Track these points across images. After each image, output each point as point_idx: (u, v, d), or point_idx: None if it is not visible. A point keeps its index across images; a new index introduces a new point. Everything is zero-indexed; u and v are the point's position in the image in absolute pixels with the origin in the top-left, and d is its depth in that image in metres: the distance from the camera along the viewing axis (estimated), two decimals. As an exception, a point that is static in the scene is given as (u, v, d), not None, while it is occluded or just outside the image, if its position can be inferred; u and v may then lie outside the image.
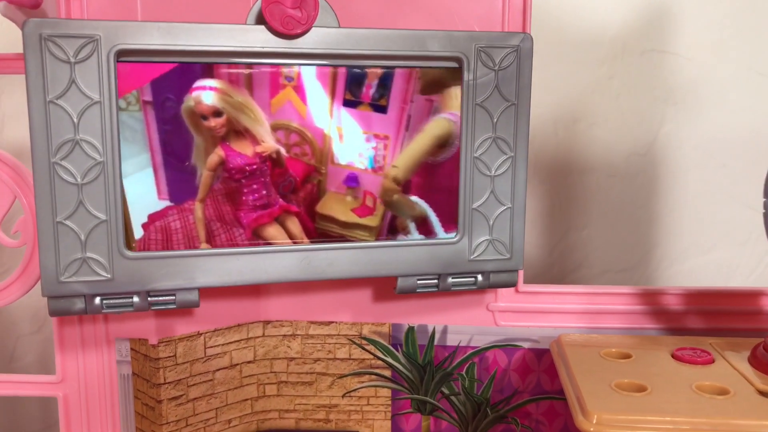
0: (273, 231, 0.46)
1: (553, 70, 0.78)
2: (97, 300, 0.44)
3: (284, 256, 0.46)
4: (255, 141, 0.45)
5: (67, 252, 0.42)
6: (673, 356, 0.48)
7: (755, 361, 0.46)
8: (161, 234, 0.45)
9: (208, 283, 0.45)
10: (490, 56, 0.46)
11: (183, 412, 0.53)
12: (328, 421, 0.57)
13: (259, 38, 0.43)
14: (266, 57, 0.44)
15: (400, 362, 0.55)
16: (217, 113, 0.44)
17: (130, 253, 0.43)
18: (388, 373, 0.56)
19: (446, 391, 0.56)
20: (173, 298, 0.45)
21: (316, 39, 0.44)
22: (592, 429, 0.39)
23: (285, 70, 0.45)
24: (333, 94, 0.46)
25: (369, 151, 0.47)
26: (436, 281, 0.49)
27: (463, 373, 0.55)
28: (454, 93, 0.47)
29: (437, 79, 0.47)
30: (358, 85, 0.46)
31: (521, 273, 0.53)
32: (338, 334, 0.56)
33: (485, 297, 0.54)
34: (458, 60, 0.46)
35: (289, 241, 0.47)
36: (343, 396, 0.56)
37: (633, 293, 0.54)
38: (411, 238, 0.48)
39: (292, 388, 0.56)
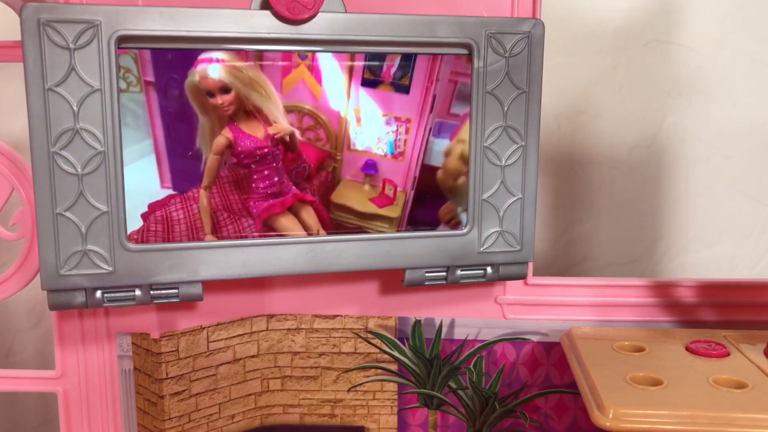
0: (286, 222, 0.44)
1: (556, 61, 0.77)
2: (98, 293, 0.43)
3: (290, 248, 0.45)
4: (266, 122, 0.42)
5: (67, 244, 0.41)
6: (688, 349, 0.47)
7: (771, 354, 0.45)
8: (161, 225, 0.43)
9: (212, 276, 0.44)
10: (501, 43, 0.45)
11: (186, 408, 0.52)
12: (333, 416, 0.56)
13: (264, 23, 0.42)
14: (271, 43, 0.43)
15: (406, 356, 0.54)
16: (224, 89, 0.42)
17: (132, 246, 0.42)
18: (394, 367, 0.55)
19: (453, 386, 0.55)
20: (176, 291, 0.44)
21: (322, 25, 0.43)
22: (608, 423, 0.38)
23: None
24: (350, 73, 0.43)
25: (389, 136, 0.45)
26: (444, 274, 0.48)
27: (471, 366, 0.54)
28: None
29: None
30: (378, 63, 0.44)
31: (530, 265, 0.52)
32: (343, 328, 0.55)
33: (493, 290, 0.53)
34: (468, 47, 0.45)
35: (304, 233, 0.45)
36: (349, 390, 0.55)
37: (644, 285, 0.53)
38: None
39: (297, 382, 0.55)
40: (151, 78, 0.41)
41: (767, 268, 0.84)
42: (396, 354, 0.54)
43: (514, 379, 0.55)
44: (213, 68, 0.42)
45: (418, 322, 0.54)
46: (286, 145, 0.44)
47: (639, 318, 0.53)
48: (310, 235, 0.45)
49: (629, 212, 0.82)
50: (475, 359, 0.54)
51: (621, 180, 0.81)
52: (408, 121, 0.45)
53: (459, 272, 0.48)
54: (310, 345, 0.55)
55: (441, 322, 0.54)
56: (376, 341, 0.54)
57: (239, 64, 0.41)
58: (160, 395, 0.50)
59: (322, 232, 0.45)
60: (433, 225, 0.47)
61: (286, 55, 0.42)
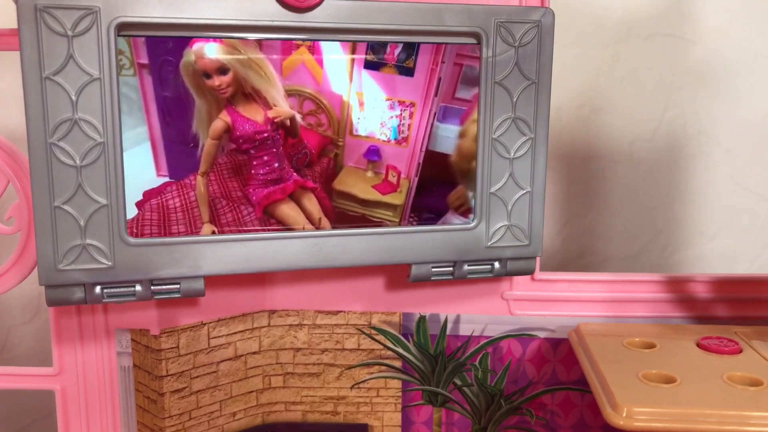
0: (287, 209, 0.43)
1: (557, 53, 0.76)
2: (98, 289, 0.41)
3: (294, 242, 0.44)
4: (266, 105, 0.41)
5: (65, 238, 0.40)
6: (699, 345, 0.46)
7: (785, 351, 0.44)
8: (157, 213, 0.41)
9: (215, 270, 0.43)
10: (510, 32, 0.44)
11: (186, 405, 0.51)
12: (336, 413, 0.55)
13: (269, 11, 0.41)
14: (276, 32, 0.42)
15: (411, 352, 0.53)
16: (222, 70, 0.40)
17: (132, 240, 0.41)
18: (398, 363, 0.54)
19: (459, 382, 0.54)
20: (177, 286, 0.43)
21: (328, 12, 0.42)
22: (622, 422, 0.37)
23: None
24: (353, 55, 0.42)
25: (392, 120, 0.43)
26: (451, 269, 0.47)
27: (477, 363, 0.54)
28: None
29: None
30: (381, 45, 0.42)
31: (538, 260, 0.51)
32: (347, 324, 0.54)
33: (500, 285, 0.52)
34: (477, 35, 0.44)
35: (305, 221, 0.43)
36: (352, 387, 0.54)
37: (654, 281, 0.52)
38: (455, 223, 0.45)
39: (299, 379, 0.54)
40: (144, 60, 0.40)
41: (768, 263, 0.84)
42: (400, 350, 0.53)
43: (520, 376, 0.54)
44: (210, 47, 0.40)
45: (422, 318, 0.53)
46: (287, 129, 0.42)
47: (648, 313, 0.52)
48: (311, 222, 0.44)
49: (630, 206, 0.82)
50: (480, 356, 0.53)
51: (622, 174, 0.81)
52: (412, 105, 0.44)
53: (466, 267, 0.47)
54: (313, 341, 0.54)
55: (446, 318, 0.53)
56: (380, 337, 0.53)
57: (237, 43, 0.40)
58: (160, 393, 0.49)
59: (324, 219, 0.44)
60: (437, 212, 0.46)
61: None
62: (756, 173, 0.81)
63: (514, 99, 0.45)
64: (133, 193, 0.41)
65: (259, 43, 0.41)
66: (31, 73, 0.38)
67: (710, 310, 0.52)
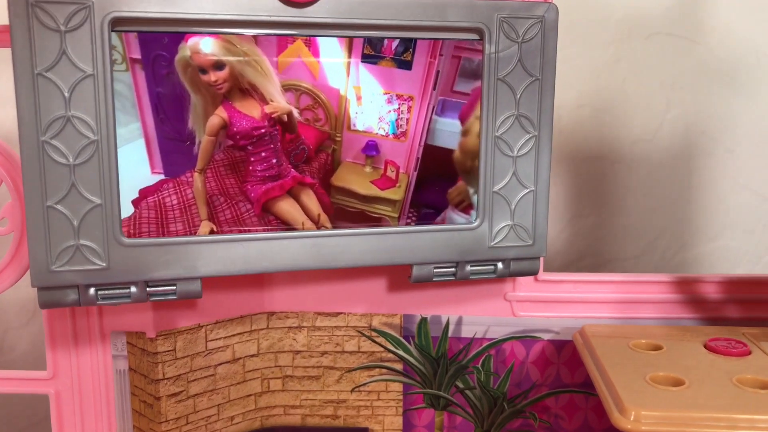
0: (286, 206, 0.42)
1: (558, 53, 0.76)
2: (92, 291, 0.40)
3: (293, 243, 0.43)
4: (263, 100, 0.40)
5: (58, 239, 0.39)
6: (707, 347, 0.45)
7: (794, 352, 0.43)
8: (154, 211, 0.40)
9: (212, 271, 0.42)
10: (513, 27, 0.43)
11: (183, 409, 0.50)
12: (336, 417, 0.54)
13: (267, 6, 0.40)
14: (273, 27, 0.41)
15: (412, 355, 0.53)
16: (218, 65, 0.39)
17: (127, 240, 0.40)
18: (399, 366, 0.53)
19: (461, 385, 0.53)
20: (174, 288, 0.42)
21: (327, 8, 0.41)
22: (629, 426, 0.37)
23: None
24: (350, 49, 0.41)
25: (390, 115, 0.42)
26: (453, 269, 0.46)
27: (479, 366, 0.53)
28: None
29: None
30: (379, 38, 0.41)
31: (542, 260, 0.50)
32: (347, 326, 0.53)
33: (503, 286, 0.51)
34: (479, 31, 0.43)
35: (305, 217, 0.42)
36: (352, 391, 0.53)
37: (659, 281, 0.51)
38: (456, 220, 0.44)
39: (298, 382, 0.53)
40: (137, 55, 0.39)
41: (772, 263, 0.83)
42: (401, 353, 0.52)
43: (524, 379, 0.53)
44: (205, 42, 0.39)
45: (424, 320, 0.52)
46: (284, 125, 0.41)
47: (654, 314, 0.51)
48: (310, 219, 0.43)
49: (631, 207, 0.81)
50: (483, 358, 0.52)
51: (623, 174, 0.80)
52: (410, 99, 0.43)
53: (469, 268, 0.46)
54: (312, 344, 0.53)
55: (448, 319, 0.52)
56: (381, 340, 0.52)
57: (233, 38, 0.39)
58: (157, 397, 0.48)
59: (323, 215, 0.43)
60: (436, 207, 0.45)
61: None
62: (759, 174, 0.80)
63: (518, 96, 0.44)
64: (129, 191, 0.40)
65: (255, 37, 0.40)
66: (22, 69, 0.37)
67: (718, 311, 0.51)
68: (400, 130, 0.43)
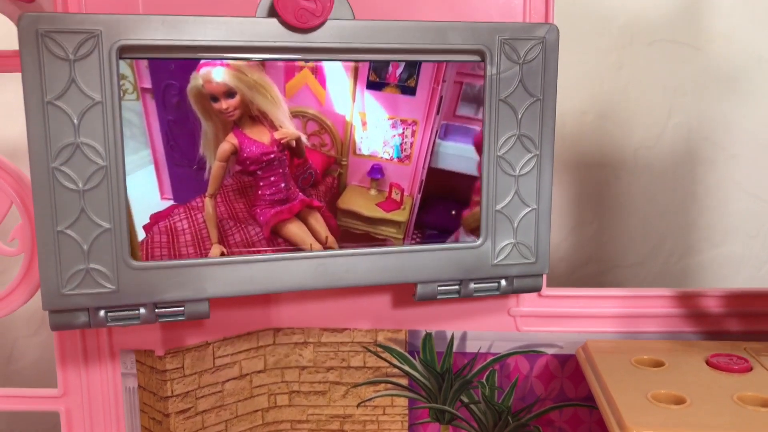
0: (294, 228, 0.42)
1: (561, 60, 0.76)
2: (102, 313, 0.41)
3: (300, 263, 0.43)
4: (272, 126, 0.41)
5: (68, 263, 0.40)
6: (708, 363, 0.45)
7: (795, 368, 0.44)
8: (166, 235, 0.41)
9: (219, 293, 0.42)
10: (515, 49, 0.44)
11: (192, 426, 0.50)
12: (343, 431, 0.54)
13: (271, 32, 0.41)
14: (278, 52, 0.41)
15: (417, 370, 0.53)
16: (229, 93, 0.40)
17: (135, 263, 0.41)
18: (404, 381, 0.53)
19: (466, 400, 0.53)
20: (182, 309, 0.42)
21: (331, 32, 0.41)
22: (631, 445, 0.37)
23: None
24: (355, 76, 0.42)
25: (395, 139, 0.43)
26: (457, 287, 0.47)
27: (484, 380, 0.53)
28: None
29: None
30: (384, 64, 0.42)
31: (545, 277, 0.51)
32: (352, 342, 0.53)
33: (507, 302, 0.52)
34: (481, 53, 0.44)
35: (313, 239, 0.43)
36: (358, 406, 0.54)
37: (662, 296, 0.52)
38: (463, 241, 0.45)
39: (305, 398, 0.54)
40: (148, 85, 0.40)
41: (775, 270, 0.83)
42: (406, 368, 0.53)
43: (528, 393, 0.53)
44: (217, 71, 0.40)
45: (428, 335, 0.53)
46: (293, 150, 0.42)
47: (657, 329, 0.52)
48: (318, 241, 0.44)
49: (635, 213, 0.81)
50: (487, 373, 0.53)
51: (626, 181, 0.80)
52: (414, 123, 0.44)
53: (472, 286, 0.47)
54: (318, 359, 0.53)
55: (452, 335, 0.53)
56: (386, 355, 0.53)
57: (244, 67, 0.40)
58: (166, 413, 0.49)
59: (330, 237, 0.44)
60: (441, 229, 0.46)
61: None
62: (762, 179, 0.80)
63: (519, 116, 0.45)
64: (140, 217, 0.41)
65: (263, 65, 0.40)
66: (33, 97, 0.38)
67: (720, 324, 0.51)
68: (404, 153, 0.44)
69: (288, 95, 0.41)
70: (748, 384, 0.42)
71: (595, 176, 0.80)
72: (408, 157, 0.44)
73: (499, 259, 0.46)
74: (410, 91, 0.43)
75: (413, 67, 0.43)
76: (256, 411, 0.53)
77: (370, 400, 0.54)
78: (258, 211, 0.42)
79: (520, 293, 0.49)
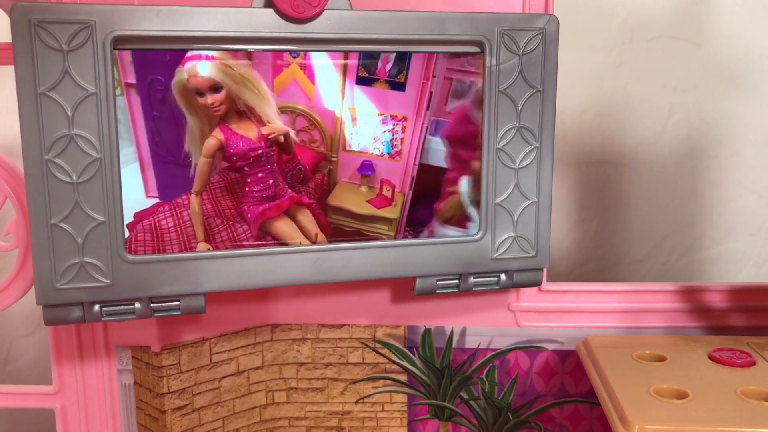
0: (283, 226, 0.42)
1: (560, 57, 0.76)
2: (96, 307, 0.41)
3: (296, 257, 0.43)
4: (259, 122, 0.40)
5: (62, 257, 0.39)
6: (711, 358, 0.45)
7: (799, 363, 0.43)
8: (150, 234, 0.40)
9: (215, 287, 0.42)
10: (514, 40, 0.43)
11: (188, 423, 0.50)
12: (341, 428, 0.54)
13: (267, 22, 0.40)
14: (275, 43, 0.41)
15: (416, 366, 0.53)
16: (215, 88, 0.39)
17: (130, 257, 0.40)
18: (403, 377, 0.53)
19: (465, 396, 0.53)
20: (178, 304, 0.42)
21: (328, 23, 0.41)
22: (633, 440, 0.36)
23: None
24: (345, 71, 0.41)
25: (385, 135, 0.43)
26: (456, 281, 0.46)
27: (483, 376, 0.53)
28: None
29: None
30: (372, 60, 0.42)
31: (545, 271, 0.50)
32: (350, 338, 0.53)
33: (507, 297, 0.51)
34: (480, 44, 0.43)
35: (302, 237, 0.43)
36: (357, 402, 0.53)
37: (663, 290, 0.51)
38: (456, 235, 0.45)
39: (303, 394, 0.53)
40: (132, 80, 0.39)
41: (777, 266, 0.83)
42: (405, 364, 0.53)
43: (528, 389, 0.53)
44: (203, 65, 0.39)
45: (428, 331, 0.52)
46: (281, 146, 0.42)
47: (658, 324, 0.51)
48: (308, 238, 0.43)
49: (635, 210, 0.81)
50: (487, 369, 0.53)
51: (627, 178, 0.80)
52: (404, 119, 0.44)
53: (472, 280, 0.46)
54: (316, 355, 0.53)
55: (452, 330, 0.52)
56: (385, 351, 0.53)
57: (230, 61, 0.39)
58: (162, 410, 0.48)
59: (320, 235, 0.43)
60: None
61: (278, 53, 0.40)
62: (763, 176, 0.80)
63: (519, 108, 0.44)
64: (124, 215, 0.40)
65: (250, 59, 0.40)
66: (25, 89, 0.37)
67: (722, 319, 0.51)
68: (394, 149, 0.43)
69: (276, 90, 0.41)
70: (751, 378, 0.42)
71: (596, 174, 0.80)
72: (399, 153, 0.43)
73: (499, 252, 0.46)
74: (400, 86, 0.42)
75: (402, 63, 0.42)
76: (254, 408, 0.53)
77: (368, 396, 0.53)
78: (246, 208, 0.42)
79: (520, 287, 0.48)
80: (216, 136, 0.40)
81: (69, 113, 0.38)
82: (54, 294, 0.39)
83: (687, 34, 0.76)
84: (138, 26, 0.38)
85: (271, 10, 0.40)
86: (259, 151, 0.41)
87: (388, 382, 0.53)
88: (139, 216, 0.40)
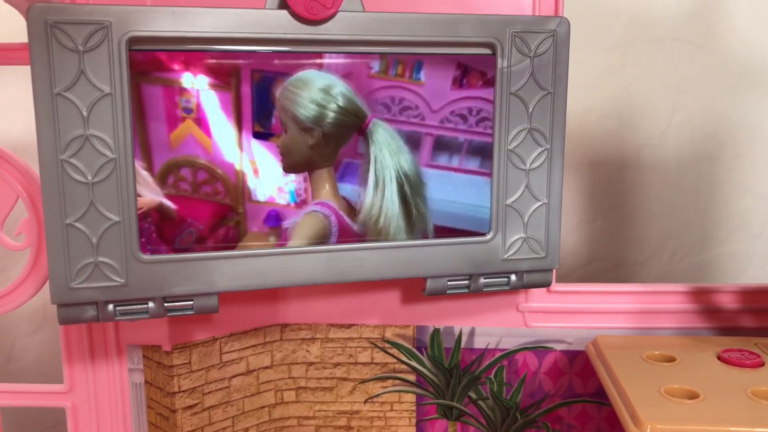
0: None
1: (564, 58, 0.76)
2: (110, 307, 0.41)
3: (309, 257, 0.43)
4: None
5: (77, 256, 0.39)
6: (720, 358, 0.45)
7: (807, 363, 0.43)
8: None
9: (229, 287, 0.42)
10: (526, 42, 0.44)
11: (198, 422, 0.50)
12: (350, 428, 0.54)
13: (281, 24, 0.40)
14: (289, 44, 0.41)
15: (425, 366, 0.53)
16: None
17: (145, 257, 0.40)
18: (412, 377, 0.53)
19: (474, 396, 0.53)
20: (191, 303, 0.42)
21: (342, 24, 0.41)
22: (645, 440, 0.37)
23: (182, 101, 0.40)
24: (240, 126, 0.41)
25: (289, 185, 0.43)
26: (467, 282, 0.46)
27: (492, 376, 0.53)
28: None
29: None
30: (266, 117, 0.42)
31: (554, 272, 0.50)
32: (359, 338, 0.53)
33: (515, 297, 0.52)
34: (491, 46, 0.43)
35: None
36: (366, 402, 0.54)
37: (672, 291, 0.51)
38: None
39: (312, 394, 0.54)
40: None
41: (778, 267, 0.83)
42: (414, 364, 0.53)
43: (536, 389, 0.53)
44: None
45: (436, 331, 0.52)
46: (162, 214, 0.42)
47: (667, 325, 0.51)
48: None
49: (638, 211, 0.81)
50: (495, 369, 0.53)
51: (630, 179, 0.80)
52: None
53: (482, 280, 0.46)
54: (326, 355, 0.53)
55: (461, 330, 0.52)
56: (394, 351, 0.53)
57: None
58: (173, 409, 0.49)
59: None
60: None
61: (170, 109, 0.40)
62: (766, 177, 0.80)
63: (530, 109, 0.45)
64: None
65: (142, 118, 0.40)
66: (42, 89, 0.38)
67: (731, 320, 0.51)
68: (300, 198, 0.43)
69: (174, 145, 0.41)
70: (761, 379, 0.42)
71: (599, 174, 0.80)
72: (304, 201, 0.43)
73: (509, 253, 0.46)
74: None
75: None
76: (263, 407, 0.53)
77: (377, 396, 0.53)
78: None
79: (530, 288, 0.49)
80: None
81: (84, 113, 0.38)
82: (68, 293, 0.40)
83: (690, 35, 0.77)
84: (153, 27, 0.39)
85: (285, 12, 0.40)
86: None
87: (397, 381, 0.53)
88: None
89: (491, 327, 0.52)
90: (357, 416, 0.54)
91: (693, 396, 0.40)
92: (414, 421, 0.54)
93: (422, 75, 0.44)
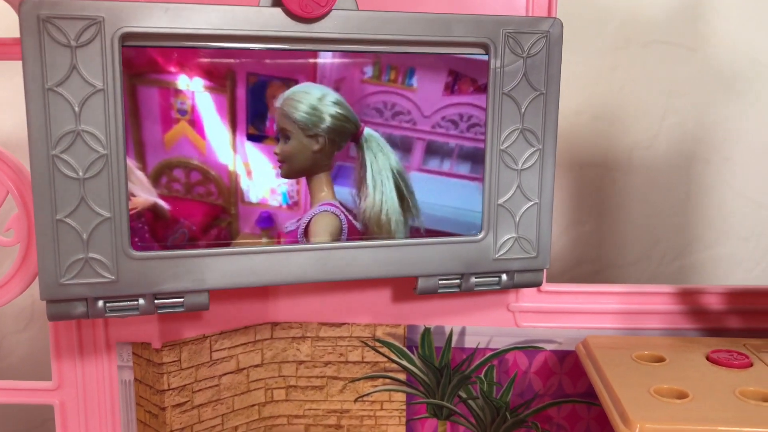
0: None
1: (556, 60, 0.76)
2: (100, 303, 0.41)
3: (301, 255, 0.43)
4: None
5: (67, 252, 0.39)
6: (709, 359, 0.45)
7: (795, 364, 0.44)
8: None
9: (219, 284, 0.42)
10: (519, 42, 0.44)
11: (188, 420, 0.50)
12: (340, 426, 0.54)
13: (275, 21, 0.40)
14: (282, 42, 0.41)
15: (415, 365, 0.53)
16: None
17: (135, 253, 0.40)
18: (402, 376, 0.53)
19: (464, 395, 0.53)
20: (182, 300, 0.42)
21: (335, 23, 0.41)
22: (635, 440, 0.37)
23: (177, 103, 0.40)
24: (234, 128, 0.42)
25: (281, 187, 0.43)
26: (458, 281, 0.46)
27: (482, 376, 0.53)
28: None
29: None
30: (260, 120, 0.42)
31: (545, 272, 0.50)
32: (350, 336, 0.53)
33: (506, 297, 0.52)
34: (485, 46, 0.43)
35: None
36: (356, 401, 0.54)
37: (662, 292, 0.52)
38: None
39: (302, 392, 0.54)
40: None
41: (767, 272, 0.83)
42: (405, 363, 0.53)
43: (526, 389, 0.53)
44: None
45: (427, 330, 0.52)
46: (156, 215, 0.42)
47: (657, 325, 0.52)
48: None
49: (628, 214, 0.81)
50: (486, 368, 0.53)
51: (620, 181, 0.80)
52: None
53: (473, 280, 0.47)
54: (316, 354, 0.53)
55: (451, 330, 0.52)
56: (384, 350, 0.53)
57: None
58: (162, 407, 0.48)
59: None
60: None
61: (165, 111, 0.40)
62: (755, 181, 0.81)
63: (522, 110, 0.45)
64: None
65: (137, 119, 0.40)
66: (33, 84, 0.37)
67: (720, 321, 0.51)
68: (292, 200, 0.43)
69: (168, 146, 0.41)
70: (749, 379, 0.42)
71: (590, 177, 0.80)
72: (296, 203, 0.43)
73: (500, 253, 0.46)
74: None
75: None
76: (253, 405, 0.53)
77: (367, 395, 0.53)
78: None
79: (521, 288, 0.49)
80: None
81: (76, 109, 0.38)
82: (58, 289, 0.39)
83: (682, 39, 0.77)
84: (146, 23, 0.39)
85: (279, 9, 0.40)
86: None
87: (387, 380, 0.53)
88: None
89: (482, 326, 0.52)
90: (347, 415, 0.54)
91: (682, 396, 0.40)
92: (404, 420, 0.54)
93: (414, 81, 0.44)
